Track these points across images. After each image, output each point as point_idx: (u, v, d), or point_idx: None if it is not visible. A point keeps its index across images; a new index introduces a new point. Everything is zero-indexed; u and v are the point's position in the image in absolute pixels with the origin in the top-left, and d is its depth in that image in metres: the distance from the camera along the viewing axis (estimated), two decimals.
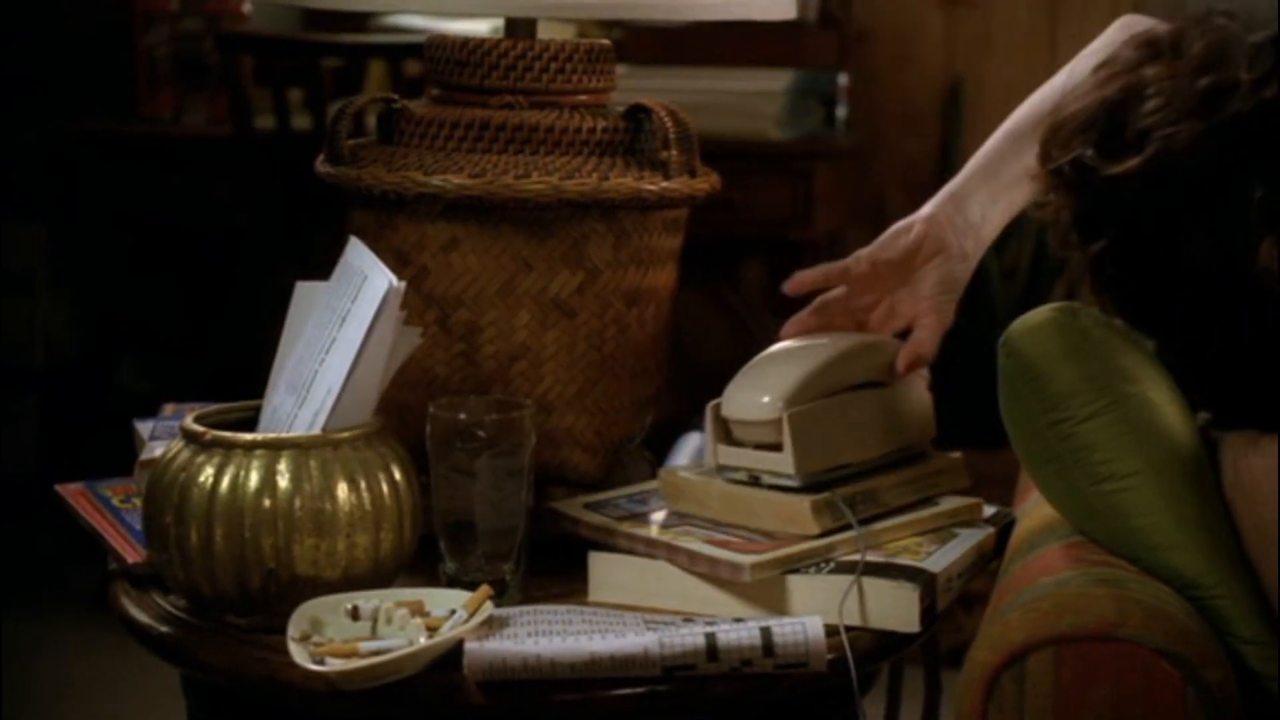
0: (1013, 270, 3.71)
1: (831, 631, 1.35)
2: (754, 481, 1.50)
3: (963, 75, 3.87)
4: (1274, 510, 1.31)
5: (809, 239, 3.35)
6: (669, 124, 1.59)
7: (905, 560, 1.43)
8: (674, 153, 1.59)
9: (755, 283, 3.70)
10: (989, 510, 1.60)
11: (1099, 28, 1.62)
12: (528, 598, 1.46)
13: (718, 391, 1.55)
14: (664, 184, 1.58)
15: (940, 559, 1.44)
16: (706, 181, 1.63)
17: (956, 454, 1.62)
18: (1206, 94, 1.31)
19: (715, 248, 3.58)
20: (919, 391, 1.63)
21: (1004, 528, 1.57)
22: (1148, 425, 1.36)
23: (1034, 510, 1.53)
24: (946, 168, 3.85)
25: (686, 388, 1.89)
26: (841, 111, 3.49)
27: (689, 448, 1.75)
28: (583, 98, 1.62)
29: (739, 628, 1.32)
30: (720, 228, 3.35)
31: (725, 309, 3.69)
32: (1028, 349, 1.38)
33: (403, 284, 1.41)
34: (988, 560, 1.53)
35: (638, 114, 1.62)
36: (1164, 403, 1.39)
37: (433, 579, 1.46)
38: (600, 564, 1.49)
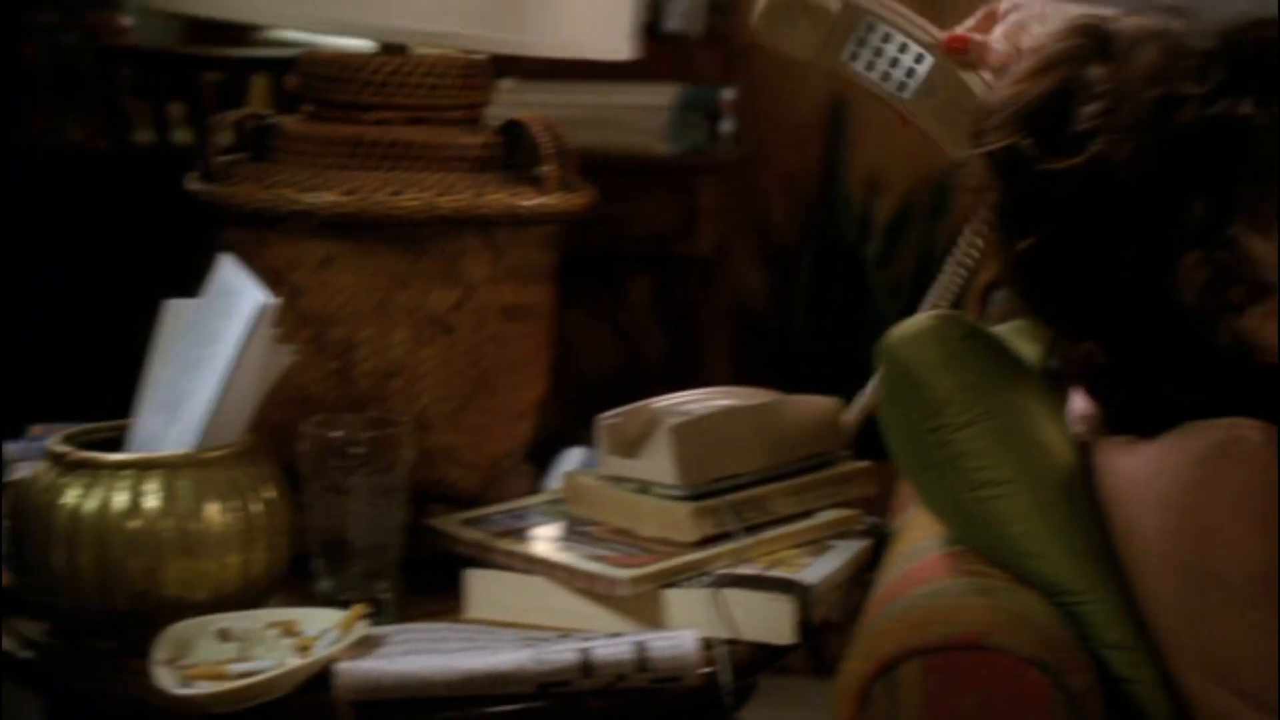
0: (896, 286, 3.75)
1: (713, 644, 1.36)
2: (644, 490, 1.51)
3: (847, 90, 3.89)
4: (1144, 513, 1.32)
5: (694, 253, 3.36)
6: (545, 139, 1.59)
7: (780, 572, 1.44)
8: (550, 168, 1.59)
9: (642, 297, 3.70)
10: (868, 521, 1.61)
11: None
12: (405, 616, 1.45)
13: (604, 405, 1.55)
14: (539, 199, 1.58)
15: (816, 570, 1.45)
16: (582, 196, 1.63)
17: (867, 462, 1.63)
18: (1154, 105, 1.30)
19: (602, 262, 3.60)
20: (826, 401, 1.63)
21: (880, 539, 1.58)
22: (1022, 433, 1.38)
23: (913, 520, 1.54)
24: (830, 181, 3.89)
25: (573, 402, 1.89)
26: (727, 126, 3.50)
27: (573, 462, 1.75)
28: (458, 113, 1.61)
29: (614, 643, 1.32)
30: (607, 242, 3.37)
31: (612, 324, 3.69)
32: (906, 356, 1.39)
33: (276, 301, 1.39)
34: (864, 572, 1.54)
35: (514, 129, 1.61)
36: (1039, 411, 1.40)
37: (308, 598, 1.45)
38: (477, 581, 1.48)
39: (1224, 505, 1.27)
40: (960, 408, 1.37)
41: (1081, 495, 1.38)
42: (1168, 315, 1.32)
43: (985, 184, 1.38)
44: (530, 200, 1.57)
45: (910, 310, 1.74)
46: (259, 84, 3.65)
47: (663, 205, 3.32)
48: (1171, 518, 1.30)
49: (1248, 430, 1.27)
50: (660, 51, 3.44)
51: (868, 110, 3.86)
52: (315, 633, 1.33)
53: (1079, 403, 1.49)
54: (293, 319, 1.52)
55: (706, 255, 3.43)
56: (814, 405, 1.63)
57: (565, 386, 1.78)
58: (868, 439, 1.67)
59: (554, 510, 1.58)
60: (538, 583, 1.45)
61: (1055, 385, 1.58)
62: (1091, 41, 1.36)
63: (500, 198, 1.55)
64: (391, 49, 1.62)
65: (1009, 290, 1.46)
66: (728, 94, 3.48)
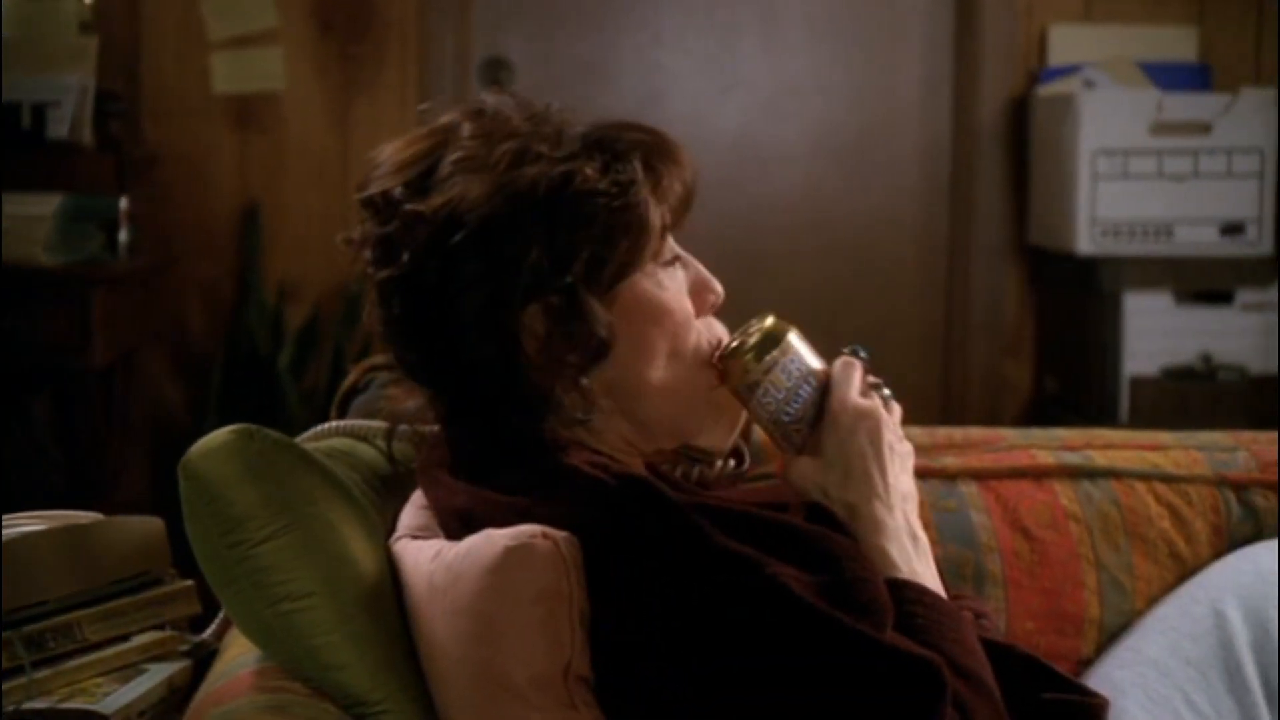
0: (311, 393, 3.73)
1: None
2: None
3: (259, 198, 3.87)
4: (440, 620, 1.33)
5: (91, 365, 3.24)
6: None
7: (78, 703, 1.38)
8: None
9: (45, 418, 3.55)
10: (193, 641, 1.57)
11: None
12: None
13: None
14: None
15: (118, 699, 1.40)
16: None
17: (189, 581, 1.58)
18: (508, 155, 1.36)
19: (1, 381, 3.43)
20: (149, 520, 1.59)
21: (203, 659, 1.54)
22: (325, 545, 1.37)
23: (235, 637, 1.51)
24: (247, 288, 3.84)
25: None
26: (124, 235, 3.40)
27: None
28: None
29: None
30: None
31: (12, 444, 3.52)
32: (205, 471, 1.37)
33: None
34: (182, 694, 1.50)
35: None
36: (343, 521, 1.40)
37: None
38: None
39: (511, 612, 1.30)
40: (260, 522, 1.36)
41: (387, 605, 1.39)
42: (512, 372, 1.36)
43: (364, 231, 1.40)
44: None
45: (324, 417, 1.74)
46: None
47: (53, 318, 3.19)
48: (464, 623, 1.32)
49: (536, 538, 1.30)
50: (47, 160, 3.33)
51: (279, 219, 3.85)
52: None
53: (409, 511, 1.50)
54: None
55: (104, 368, 3.31)
56: (136, 526, 1.58)
57: None
58: None
59: None
60: None
61: (382, 493, 1.59)
62: (471, 112, 1.41)
63: None
64: None
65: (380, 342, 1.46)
66: (124, 203, 3.37)
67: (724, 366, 1.43)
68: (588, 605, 1.31)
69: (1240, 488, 1.86)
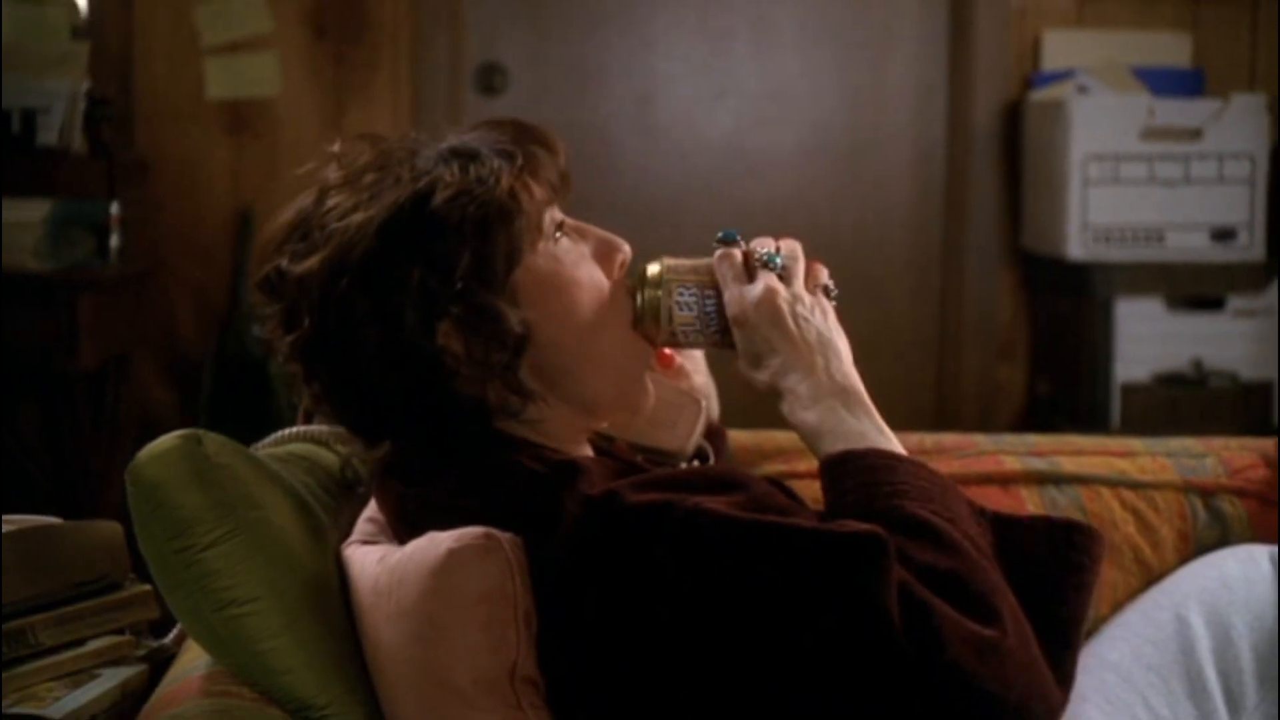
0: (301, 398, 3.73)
1: None
2: None
3: (252, 203, 3.87)
4: (385, 624, 1.33)
5: (78, 369, 3.25)
6: None
7: (27, 708, 1.38)
8: None
9: (32, 424, 3.56)
10: (151, 645, 1.57)
11: None
12: None
13: None
14: None
15: (68, 703, 1.40)
16: None
17: (147, 586, 1.58)
18: (363, 191, 1.37)
19: None
20: (107, 525, 1.59)
21: (160, 663, 1.54)
22: (270, 550, 1.37)
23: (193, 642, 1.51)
24: (238, 293, 3.84)
25: None
26: (115, 240, 3.41)
27: None
28: None
29: None
30: None
31: (3, 450, 3.53)
32: (152, 475, 1.37)
33: None
34: (136, 699, 1.49)
35: None
36: (291, 526, 1.41)
37: None
38: None
39: (453, 614, 1.30)
40: (206, 527, 1.36)
41: (334, 610, 1.39)
42: (445, 391, 1.36)
43: (270, 310, 1.40)
44: None
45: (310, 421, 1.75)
46: None
47: (40, 322, 3.19)
48: (408, 626, 1.32)
49: (479, 540, 1.30)
50: (37, 166, 3.34)
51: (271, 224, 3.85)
52: None
53: (365, 515, 1.50)
54: None
55: (91, 372, 3.31)
56: (94, 531, 1.58)
57: None
58: None
59: None
60: None
61: (339, 498, 1.59)
62: (329, 167, 1.42)
63: None
64: None
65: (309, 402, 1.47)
66: (115, 208, 3.38)
67: (642, 337, 1.43)
68: (533, 606, 1.31)
69: (1207, 494, 1.86)
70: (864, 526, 1.26)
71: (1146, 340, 3.52)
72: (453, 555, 1.30)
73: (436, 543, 1.32)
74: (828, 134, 4.05)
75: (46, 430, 3.41)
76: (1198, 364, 3.54)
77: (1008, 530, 1.38)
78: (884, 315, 4.05)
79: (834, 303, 1.44)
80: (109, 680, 1.47)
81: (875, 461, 1.36)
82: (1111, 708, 1.62)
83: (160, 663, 1.54)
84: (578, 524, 1.30)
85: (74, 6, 3.68)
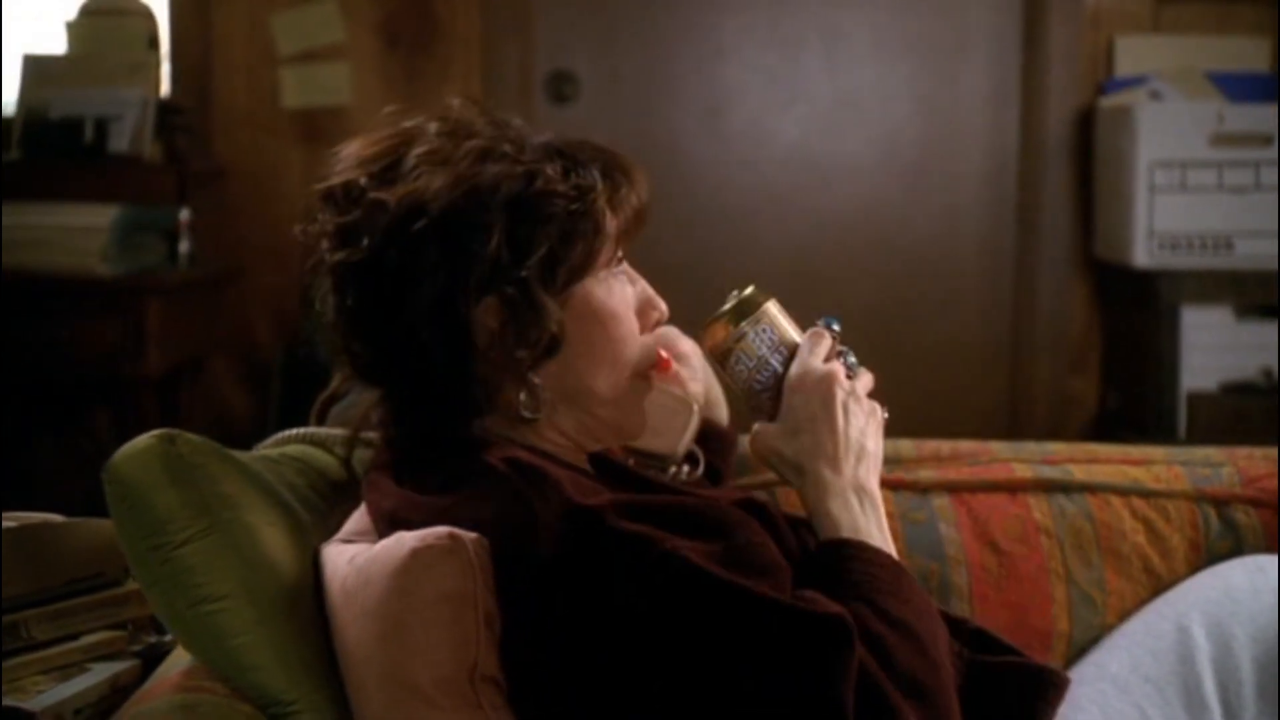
0: None
1: None
2: None
3: None
4: (352, 622, 1.35)
5: (143, 374, 3.30)
6: None
7: (12, 701, 1.41)
8: None
9: (105, 427, 3.63)
10: (148, 641, 1.60)
11: None
12: None
13: None
14: None
15: (51, 696, 1.43)
16: None
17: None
18: (469, 152, 1.39)
19: (60, 388, 3.51)
20: (105, 523, 1.62)
21: (154, 658, 1.57)
22: (245, 549, 1.39)
23: None
24: (310, 299, 3.88)
25: None
26: (185, 246, 3.47)
27: None
28: None
29: None
30: (54, 366, 3.30)
31: (78, 452, 3.61)
32: (127, 475, 1.40)
33: None
34: (128, 692, 1.52)
35: None
36: (266, 525, 1.42)
37: None
38: None
39: (415, 614, 1.31)
40: (179, 525, 1.38)
41: (307, 608, 1.41)
42: (461, 364, 1.38)
43: (324, 219, 1.42)
44: None
45: None
46: None
47: (107, 328, 3.26)
48: (371, 625, 1.33)
49: (442, 540, 1.32)
50: (107, 172, 3.40)
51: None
52: None
53: (355, 515, 1.52)
54: None
55: (159, 376, 3.37)
56: (92, 528, 1.61)
57: None
58: None
59: None
60: None
61: (333, 499, 1.61)
62: (437, 116, 1.44)
63: None
64: None
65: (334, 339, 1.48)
66: (184, 214, 3.44)
67: (703, 332, 1.48)
68: (495, 607, 1.32)
69: (1221, 503, 1.83)
70: (833, 608, 1.29)
71: (1214, 349, 3.47)
72: (415, 556, 1.32)
73: (401, 543, 1.33)
74: (899, 143, 4.03)
75: (117, 435, 3.47)
76: (1268, 373, 3.48)
77: (981, 672, 1.44)
78: (955, 325, 4.02)
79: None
80: (98, 674, 1.50)
81: (882, 559, 1.40)
82: (1107, 719, 1.60)
83: (155, 658, 1.57)
84: (558, 534, 1.31)
85: (151, 17, 3.75)
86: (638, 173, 1.46)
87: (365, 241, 1.38)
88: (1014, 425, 3.98)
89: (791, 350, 1.47)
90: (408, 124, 1.45)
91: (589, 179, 1.41)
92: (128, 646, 1.57)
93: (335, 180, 1.42)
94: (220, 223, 3.75)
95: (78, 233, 3.23)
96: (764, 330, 1.47)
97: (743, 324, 1.46)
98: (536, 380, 1.41)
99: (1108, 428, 3.80)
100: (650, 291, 1.49)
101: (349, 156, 1.43)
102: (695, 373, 1.70)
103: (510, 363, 1.39)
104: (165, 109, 3.59)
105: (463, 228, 1.37)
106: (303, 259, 1.48)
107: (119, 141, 3.40)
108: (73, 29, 3.70)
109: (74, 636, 1.55)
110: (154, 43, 3.71)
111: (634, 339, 1.46)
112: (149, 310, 3.27)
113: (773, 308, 1.48)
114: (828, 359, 1.47)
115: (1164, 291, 3.48)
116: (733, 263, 4.01)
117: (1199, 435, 3.35)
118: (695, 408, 1.62)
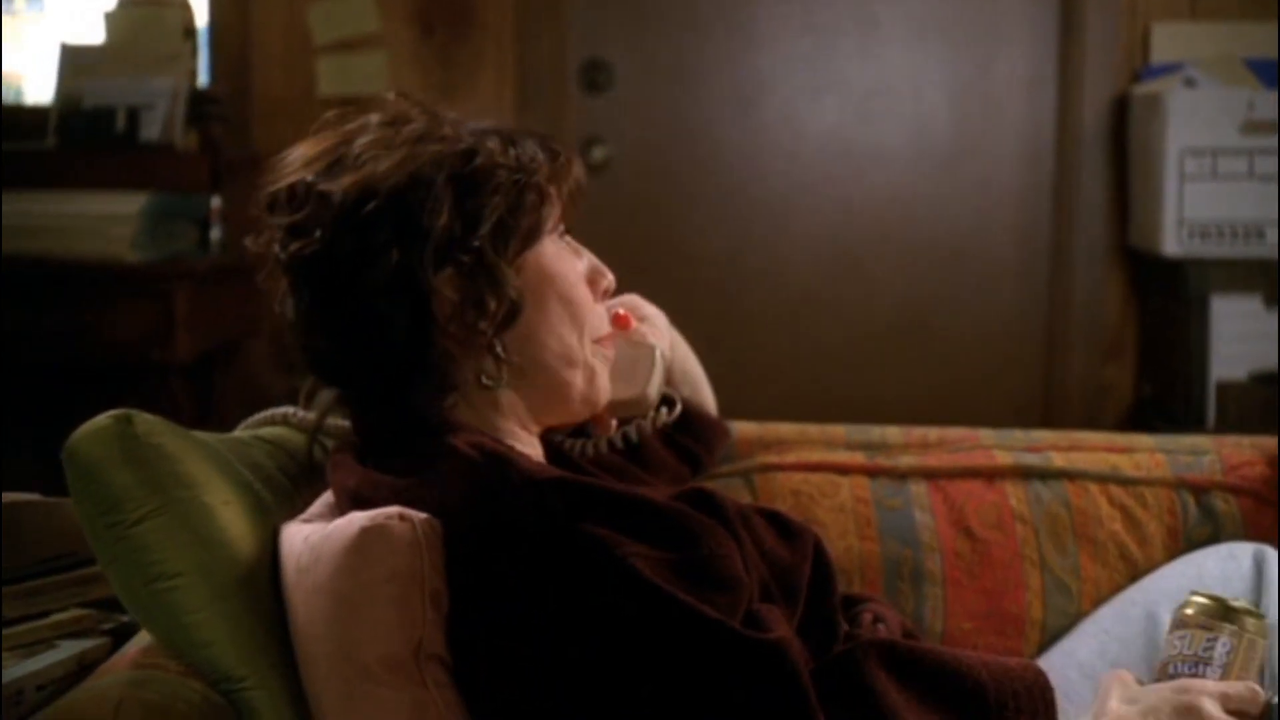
0: None
1: None
2: None
3: None
4: (303, 600, 1.37)
5: (172, 360, 3.34)
6: None
7: None
8: None
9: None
10: (121, 619, 1.63)
11: None
12: None
13: None
14: None
15: (14, 671, 1.46)
16: None
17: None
18: (410, 136, 1.43)
19: (91, 373, 3.55)
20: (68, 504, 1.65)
21: (123, 637, 1.59)
22: (198, 527, 1.42)
23: None
24: None
25: None
26: (217, 233, 3.51)
27: None
28: None
29: None
30: (84, 351, 3.34)
31: None
32: (84, 453, 1.42)
33: None
34: (94, 668, 1.55)
35: None
36: (222, 504, 1.44)
37: None
38: None
39: (364, 592, 1.33)
40: (135, 504, 1.41)
41: (262, 586, 1.43)
42: (423, 342, 1.41)
43: (271, 226, 1.45)
44: None
45: None
46: None
47: (136, 314, 3.30)
48: (320, 602, 1.36)
49: (392, 520, 1.34)
50: (139, 160, 3.45)
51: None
52: None
53: (322, 496, 1.54)
54: None
55: (189, 362, 3.41)
56: (65, 508, 1.63)
57: None
58: None
59: None
60: None
61: (301, 480, 1.63)
62: (374, 111, 1.48)
63: None
64: None
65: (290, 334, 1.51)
66: (215, 202, 3.48)
67: (1200, 595, 1.46)
68: (443, 586, 1.34)
69: (1200, 490, 1.82)
70: (771, 636, 1.30)
71: (1244, 338, 3.43)
72: (364, 534, 1.34)
73: (352, 521, 1.36)
74: (933, 131, 4.01)
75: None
76: None
77: None
78: (990, 314, 4.00)
79: None
80: (65, 651, 1.53)
81: None
82: (1073, 706, 1.60)
83: (126, 636, 1.60)
84: (519, 521, 1.32)
85: (188, 8, 3.79)
86: (573, 153, 1.51)
87: (318, 233, 1.41)
88: (1048, 415, 3.95)
89: (1222, 676, 1.43)
90: (349, 125, 1.47)
91: (529, 151, 1.46)
92: (98, 624, 1.60)
93: (280, 184, 1.45)
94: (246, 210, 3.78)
95: (108, 220, 3.27)
96: (1225, 645, 1.44)
97: (1228, 627, 1.44)
98: (500, 351, 1.43)
99: (1143, 417, 3.77)
100: (596, 260, 1.53)
101: (293, 160, 1.46)
102: (660, 332, 1.71)
103: (472, 334, 1.42)
104: (201, 98, 3.63)
105: (413, 204, 1.40)
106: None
107: (150, 130, 3.44)
108: (111, 19, 3.75)
109: (44, 614, 1.57)
110: (190, 33, 3.74)
111: (589, 302, 1.50)
112: (178, 296, 3.31)
113: (1256, 643, 1.45)
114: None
115: (1193, 280, 3.44)
116: (765, 251, 4.00)
117: (1228, 425, 3.32)
118: (658, 352, 1.63)
